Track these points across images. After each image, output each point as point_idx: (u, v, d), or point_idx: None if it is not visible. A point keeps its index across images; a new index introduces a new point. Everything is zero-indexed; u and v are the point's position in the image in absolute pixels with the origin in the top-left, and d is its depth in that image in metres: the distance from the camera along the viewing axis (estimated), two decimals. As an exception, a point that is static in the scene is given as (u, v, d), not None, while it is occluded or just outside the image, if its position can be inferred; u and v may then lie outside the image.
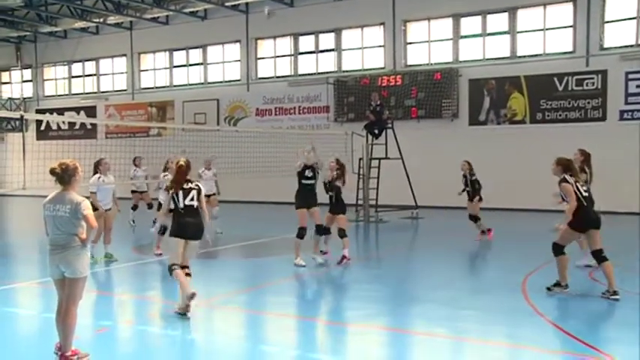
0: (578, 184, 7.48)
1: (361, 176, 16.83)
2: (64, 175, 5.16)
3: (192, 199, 6.78)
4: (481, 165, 14.36)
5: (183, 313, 6.67)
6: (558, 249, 7.61)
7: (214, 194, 13.55)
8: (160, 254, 10.54)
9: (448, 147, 19.21)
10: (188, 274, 6.77)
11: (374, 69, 21.12)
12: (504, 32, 19.10)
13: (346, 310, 7.50)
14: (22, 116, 11.14)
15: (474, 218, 12.34)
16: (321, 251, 10.28)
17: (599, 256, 7.43)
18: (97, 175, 9.99)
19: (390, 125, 17.07)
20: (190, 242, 6.78)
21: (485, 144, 18.74)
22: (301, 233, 9.76)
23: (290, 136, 17.63)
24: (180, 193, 6.78)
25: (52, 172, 5.17)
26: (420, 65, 20.39)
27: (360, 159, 16.78)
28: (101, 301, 7.90)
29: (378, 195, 16.70)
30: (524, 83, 18.70)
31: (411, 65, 20.61)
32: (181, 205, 6.75)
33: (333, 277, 9.44)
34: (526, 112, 18.76)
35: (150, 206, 15.05)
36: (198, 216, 6.79)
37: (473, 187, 12.22)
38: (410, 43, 20.70)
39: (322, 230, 9.92)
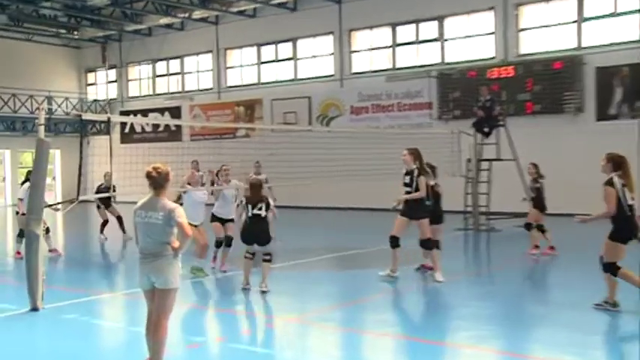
0: (625, 188, 7.29)
1: (470, 180, 16.47)
2: (159, 180, 5.38)
3: (260, 209, 8.69)
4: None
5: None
6: (612, 267, 7.39)
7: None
8: (225, 271, 10.55)
9: (571, 146, 18.40)
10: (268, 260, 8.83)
11: (482, 60, 20.63)
12: (638, 11, 18.03)
13: (454, 330, 7.33)
14: (108, 119, 11.76)
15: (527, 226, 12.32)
16: (423, 266, 10.18)
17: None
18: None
19: (501, 122, 16.59)
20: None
21: (616, 141, 17.54)
22: (393, 243, 9.65)
23: (388, 137, 17.60)
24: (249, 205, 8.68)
25: (149, 175, 5.39)
26: (536, 54, 19.69)
27: (467, 160, 16.42)
28: (192, 315, 8.16)
29: (489, 201, 16.25)
30: (665, 70, 17.57)
31: (525, 54, 19.95)
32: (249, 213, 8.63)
33: (439, 292, 9.26)
34: (667, 104, 17.63)
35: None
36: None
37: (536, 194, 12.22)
38: (523, 30, 20.04)
39: (426, 244, 9.75)
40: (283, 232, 12.41)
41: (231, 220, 10.59)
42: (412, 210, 9.57)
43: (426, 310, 8.60)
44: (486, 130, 16.33)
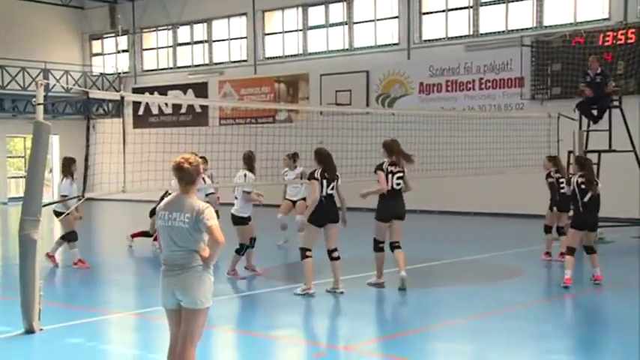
0: None
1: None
2: (191, 172, 5.48)
3: (332, 188, 10.08)
4: None
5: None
6: None
7: (303, 199, 14.34)
8: (240, 275, 11.55)
9: None
10: (337, 258, 10.07)
11: (592, 21, 20.34)
12: None
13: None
14: (122, 97, 11.94)
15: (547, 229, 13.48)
16: None
17: None
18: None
19: (616, 103, 16.30)
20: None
21: None
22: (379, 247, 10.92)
23: (468, 121, 17.49)
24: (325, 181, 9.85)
25: (179, 167, 5.46)
26: (666, 13, 19.27)
27: (569, 152, 16.18)
28: (223, 340, 8.32)
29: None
30: None
31: (649, 14, 19.56)
32: (324, 192, 9.91)
33: (529, 317, 9.20)
34: None
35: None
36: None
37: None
38: (651, -20, 19.65)
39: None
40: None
41: (249, 219, 11.59)
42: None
43: (513, 339, 8.56)
44: (595, 112, 16.10)
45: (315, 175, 10.07)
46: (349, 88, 24.48)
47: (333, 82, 24.85)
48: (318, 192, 9.94)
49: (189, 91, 28.73)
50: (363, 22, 24.89)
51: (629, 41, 19.34)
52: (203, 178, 15.15)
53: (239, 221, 11.48)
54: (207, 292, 5.45)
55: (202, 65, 29.23)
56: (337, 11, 25.40)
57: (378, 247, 10.79)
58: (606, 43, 19.59)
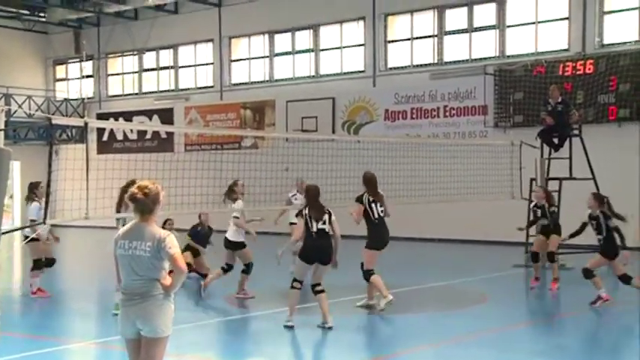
0: None
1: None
2: (147, 202, 5.48)
3: (324, 223, 9.52)
4: None
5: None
6: None
7: None
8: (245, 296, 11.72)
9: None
10: (321, 291, 9.60)
11: (552, 52, 20.72)
12: None
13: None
14: (86, 124, 11.93)
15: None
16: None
17: None
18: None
19: (576, 132, 16.59)
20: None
21: None
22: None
23: (433, 148, 17.67)
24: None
25: (133, 198, 5.47)
26: (624, 44, 19.75)
27: (531, 180, 16.43)
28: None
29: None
30: None
31: (609, 44, 20.02)
32: (314, 228, 9.46)
33: (491, 345, 9.29)
34: None
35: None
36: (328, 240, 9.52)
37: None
38: (608, 13, 20.12)
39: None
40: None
41: (244, 245, 11.96)
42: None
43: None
44: (556, 140, 16.36)
45: (303, 211, 9.76)
46: (315, 115, 24.60)
47: (299, 108, 24.96)
48: (300, 230, 9.65)
49: (155, 116, 28.65)
50: (329, 49, 25.10)
51: (588, 71, 19.75)
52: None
53: (234, 246, 11.92)
54: (168, 320, 5.45)
55: (168, 91, 29.19)
56: (303, 38, 25.59)
57: (369, 274, 10.82)
58: (566, 73, 19.98)
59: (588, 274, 11.55)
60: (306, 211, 9.65)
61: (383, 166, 14.82)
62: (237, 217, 11.77)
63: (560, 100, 16.47)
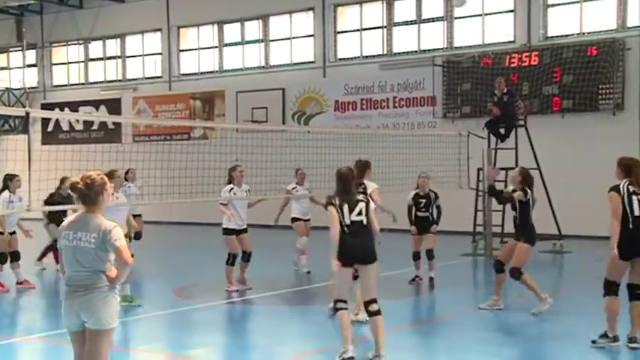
0: (636, 196, 7.94)
1: (481, 193, 16.72)
2: (89, 193, 5.42)
3: (359, 214, 7.61)
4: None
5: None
6: (608, 286, 8.09)
7: (308, 219, 14.19)
8: (237, 290, 11.70)
9: (608, 152, 18.63)
10: (376, 313, 7.55)
11: (499, 43, 21.00)
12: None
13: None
14: (27, 113, 11.73)
15: None
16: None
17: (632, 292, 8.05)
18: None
19: (521, 122, 16.87)
20: (367, 267, 7.61)
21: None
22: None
23: (382, 139, 17.79)
24: (346, 206, 7.61)
25: (74, 188, 5.44)
26: (567, 36, 20.11)
27: (478, 169, 16.69)
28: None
29: (504, 219, 16.50)
30: None
31: (553, 37, 20.36)
32: (347, 221, 7.54)
33: (440, 333, 9.44)
34: None
35: (138, 236, 15.69)
36: (368, 235, 7.67)
37: None
38: (552, 6, 20.47)
39: None
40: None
41: (246, 231, 11.93)
42: None
43: (424, 354, 8.75)
44: (502, 131, 16.62)
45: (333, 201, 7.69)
46: (265, 106, 24.56)
47: (249, 99, 24.89)
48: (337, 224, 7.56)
49: (102, 107, 28.24)
50: (279, 39, 25.05)
51: (533, 63, 20.08)
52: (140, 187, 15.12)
53: (223, 232, 11.85)
54: (114, 312, 5.42)
55: (115, 81, 28.81)
56: (253, 29, 25.50)
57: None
58: (512, 65, 20.27)
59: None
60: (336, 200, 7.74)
61: (333, 157, 14.84)
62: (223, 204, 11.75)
63: (506, 91, 16.75)
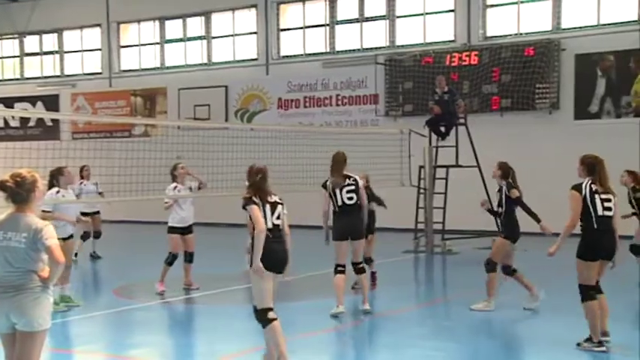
0: (598, 195, 7.74)
1: (422, 191, 16.88)
2: (19, 191, 5.28)
3: (278, 218, 7.14)
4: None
5: None
6: (585, 291, 7.82)
7: None
8: (163, 292, 11.36)
9: (544, 149, 19.12)
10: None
11: (440, 43, 21.22)
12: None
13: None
14: (-43, 110, 11.49)
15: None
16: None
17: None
18: (55, 190, 10.33)
19: (461, 120, 17.10)
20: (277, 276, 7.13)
21: (598, 144, 18.18)
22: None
23: (325, 137, 17.83)
24: (268, 207, 7.10)
25: (3, 186, 5.27)
26: (505, 37, 20.43)
27: (420, 167, 16.85)
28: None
29: (445, 217, 16.70)
30: (657, 59, 18.51)
31: (492, 37, 20.66)
32: (269, 224, 7.05)
33: (383, 328, 9.51)
34: (659, 100, 18.58)
35: (98, 235, 15.55)
36: (284, 241, 7.21)
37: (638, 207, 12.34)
38: (491, 6, 20.78)
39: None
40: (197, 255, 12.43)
41: (191, 231, 11.69)
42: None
43: (366, 350, 8.82)
44: (443, 129, 16.81)
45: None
46: (208, 103, 24.42)
47: (191, 96, 24.70)
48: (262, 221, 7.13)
49: (39, 103, 27.70)
50: (221, 36, 24.92)
51: (473, 62, 20.34)
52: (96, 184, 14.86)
53: (168, 231, 11.63)
54: (46, 313, 5.29)
55: (53, 77, 28.27)
56: (195, 25, 25.31)
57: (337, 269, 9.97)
58: (453, 64, 20.50)
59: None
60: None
61: (276, 154, 14.90)
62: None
63: (446, 89, 16.95)
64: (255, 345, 8.68)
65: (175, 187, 11.63)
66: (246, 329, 9.61)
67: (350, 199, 9.85)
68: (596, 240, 7.74)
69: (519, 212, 10.22)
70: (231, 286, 12.51)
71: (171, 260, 11.54)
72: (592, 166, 7.89)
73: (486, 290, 10.23)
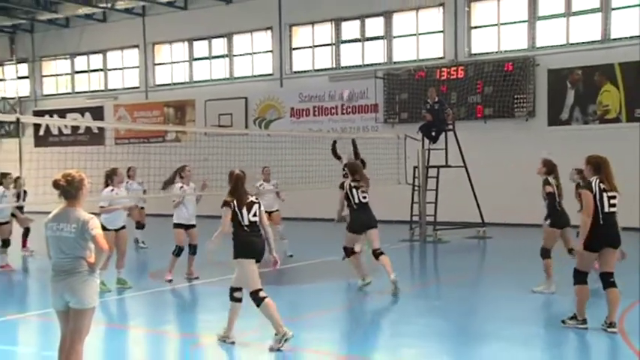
0: (606, 193, 7.48)
1: (416, 188, 16.82)
2: (69, 189, 5.34)
3: (255, 215, 7.32)
4: (563, 174, 14.11)
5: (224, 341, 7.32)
6: (578, 276, 7.64)
7: (277, 210, 13.85)
8: (171, 280, 11.03)
9: (522, 152, 18.99)
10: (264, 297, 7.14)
11: (431, 59, 21.09)
12: (594, 10, 18.81)
13: (398, 347, 7.52)
14: (18, 119, 11.54)
15: None
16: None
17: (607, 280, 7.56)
18: (110, 188, 10.32)
19: (450, 127, 17.02)
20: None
21: (568, 148, 18.36)
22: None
23: (331, 141, 17.74)
24: (244, 207, 7.26)
25: (56, 185, 5.35)
26: (488, 54, 20.29)
27: (414, 167, 16.78)
28: (111, 336, 8.11)
29: (436, 210, 16.62)
30: (619, 73, 18.38)
31: (476, 54, 20.53)
32: (246, 221, 7.22)
33: (384, 308, 9.44)
34: (621, 109, 18.43)
35: (142, 226, 15.52)
36: (260, 234, 7.37)
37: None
38: (475, 28, 20.63)
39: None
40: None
41: (194, 226, 11.25)
42: None
43: (370, 326, 8.75)
44: (434, 134, 16.73)
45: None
46: (230, 112, 24.35)
47: (216, 106, 24.65)
48: (228, 223, 7.30)
49: (87, 114, 27.73)
50: (241, 54, 24.86)
51: (459, 76, 20.22)
52: (141, 183, 14.83)
53: (173, 226, 11.26)
54: (94, 293, 5.37)
55: (99, 91, 28.28)
56: (219, 45, 25.24)
57: (348, 253, 10.39)
58: (442, 77, 20.37)
59: None
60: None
61: (289, 157, 14.85)
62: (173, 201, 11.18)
63: (437, 99, 16.87)
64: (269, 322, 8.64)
65: (181, 187, 11.24)
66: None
67: (364, 197, 10.22)
68: (599, 233, 7.45)
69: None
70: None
71: (177, 252, 11.17)
72: (598, 166, 7.60)
73: (545, 275, 9.78)
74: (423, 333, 7.94)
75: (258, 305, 7.08)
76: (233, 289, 7.31)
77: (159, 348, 7.79)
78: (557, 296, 9.26)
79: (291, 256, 13.58)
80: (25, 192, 12.77)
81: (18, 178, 12.31)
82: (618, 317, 7.69)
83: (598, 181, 7.53)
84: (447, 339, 7.74)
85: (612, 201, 7.56)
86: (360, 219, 10.19)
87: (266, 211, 13.65)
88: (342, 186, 10.35)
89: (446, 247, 15.60)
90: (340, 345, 7.71)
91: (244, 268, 7.12)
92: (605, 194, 7.48)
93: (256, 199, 7.49)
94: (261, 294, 7.07)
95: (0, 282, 11.96)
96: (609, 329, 7.49)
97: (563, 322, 7.81)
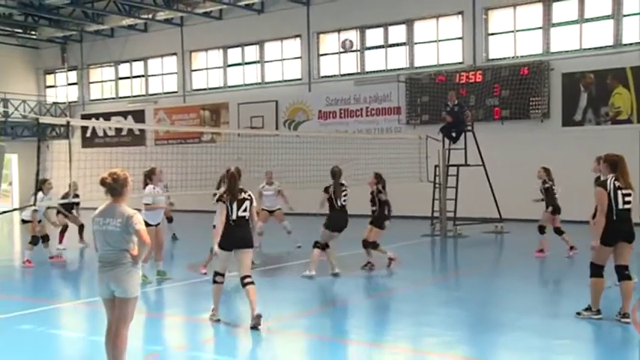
0: (621, 191, 7.32)
1: (437, 185, 16.70)
2: (115, 186, 5.39)
3: (244, 210, 7.50)
4: (576, 172, 13.95)
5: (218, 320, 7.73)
6: (594, 268, 7.49)
7: (279, 209, 14.05)
8: (205, 273, 10.91)
9: (537, 151, 18.76)
10: (250, 283, 7.48)
11: (451, 64, 20.93)
12: (606, 17, 18.51)
13: (420, 336, 7.46)
14: (68, 122, 11.70)
15: (541, 229, 12.52)
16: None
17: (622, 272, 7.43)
18: (151, 186, 10.37)
19: (469, 128, 16.87)
20: (242, 250, 7.53)
21: (581, 147, 18.14)
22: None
23: (357, 141, 17.72)
24: (235, 203, 7.44)
25: (103, 182, 5.40)
26: (504, 59, 20.08)
27: (435, 166, 16.66)
28: (152, 324, 8.16)
29: (456, 206, 16.48)
30: (630, 76, 18.06)
31: (493, 59, 20.32)
32: (234, 216, 7.43)
33: (406, 299, 9.38)
34: (632, 110, 18.12)
35: (170, 220, 15.59)
36: (247, 227, 7.56)
37: (546, 196, 12.41)
38: (492, 34, 20.42)
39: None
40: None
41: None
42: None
43: (392, 316, 8.70)
44: (454, 135, 16.59)
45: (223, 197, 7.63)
46: (262, 115, 24.41)
47: (248, 109, 24.73)
48: (224, 215, 7.44)
49: (129, 117, 28.01)
50: (272, 61, 24.90)
51: (478, 80, 20.05)
52: (166, 186, 14.95)
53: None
54: (137, 284, 5.42)
55: (140, 96, 28.56)
56: (251, 52, 25.32)
57: (322, 246, 10.69)
58: (461, 81, 20.23)
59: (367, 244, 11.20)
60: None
61: (317, 156, 14.79)
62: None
63: (456, 102, 16.73)
64: (301, 310, 8.64)
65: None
66: (294, 298, 9.59)
67: (345, 201, 10.58)
68: (614, 229, 7.31)
69: None
70: (279, 264, 12.48)
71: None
72: (614, 164, 7.43)
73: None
74: (444, 322, 7.86)
75: (213, 282, 7.73)
76: (215, 273, 7.74)
77: (195, 334, 7.82)
78: (571, 289, 9.11)
79: (299, 246, 13.70)
80: (76, 195, 12.85)
81: (74, 182, 12.37)
82: (631, 308, 7.55)
83: (614, 178, 7.38)
84: (467, 328, 7.66)
85: (627, 198, 7.41)
86: (340, 221, 10.55)
87: (269, 210, 13.91)
88: (326, 190, 10.56)
89: (465, 242, 15.47)
90: (365, 333, 7.66)
91: (219, 255, 7.60)
92: (620, 192, 7.34)
93: (249, 195, 7.59)
94: (217, 278, 7.68)
95: (53, 272, 12.12)
96: (623, 320, 7.36)
97: (578, 313, 7.67)
